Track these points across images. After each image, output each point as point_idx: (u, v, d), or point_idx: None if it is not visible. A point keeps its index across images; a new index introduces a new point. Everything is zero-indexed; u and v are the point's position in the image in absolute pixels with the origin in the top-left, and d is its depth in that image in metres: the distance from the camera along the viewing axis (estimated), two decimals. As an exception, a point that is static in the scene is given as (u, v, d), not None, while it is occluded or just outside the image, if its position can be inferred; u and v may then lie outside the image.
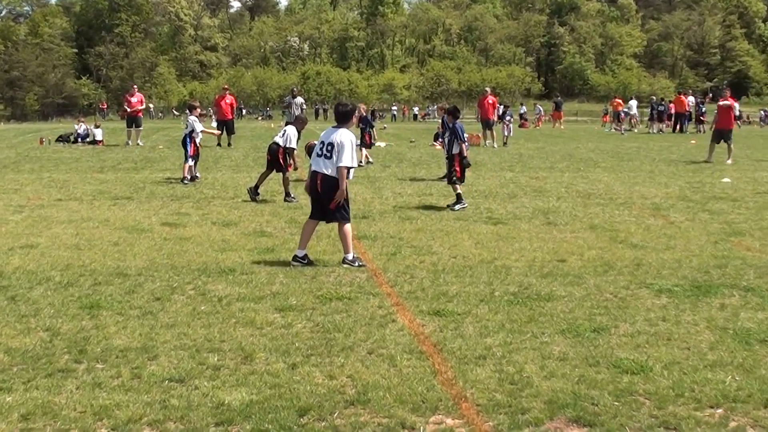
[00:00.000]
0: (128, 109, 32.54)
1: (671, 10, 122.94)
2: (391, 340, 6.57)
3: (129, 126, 32.84)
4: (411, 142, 35.71)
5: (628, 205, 14.89)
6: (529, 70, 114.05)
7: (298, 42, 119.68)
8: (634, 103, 53.03)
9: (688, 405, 5.30)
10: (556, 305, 7.68)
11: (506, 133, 34.59)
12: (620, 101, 53.73)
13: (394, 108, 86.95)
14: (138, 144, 31.74)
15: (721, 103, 25.61)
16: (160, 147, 30.37)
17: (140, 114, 33.31)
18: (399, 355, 6.20)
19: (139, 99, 33.08)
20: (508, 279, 8.77)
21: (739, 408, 5.26)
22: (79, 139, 34.27)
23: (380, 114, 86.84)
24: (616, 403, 5.32)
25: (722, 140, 24.87)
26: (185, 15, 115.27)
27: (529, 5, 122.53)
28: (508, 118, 35.91)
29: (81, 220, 12.76)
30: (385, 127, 54.87)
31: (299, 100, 29.01)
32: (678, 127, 46.87)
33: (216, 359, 6.08)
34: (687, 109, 47.52)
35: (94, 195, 15.80)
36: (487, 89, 35.76)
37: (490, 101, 33.78)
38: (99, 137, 33.84)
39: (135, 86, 35.70)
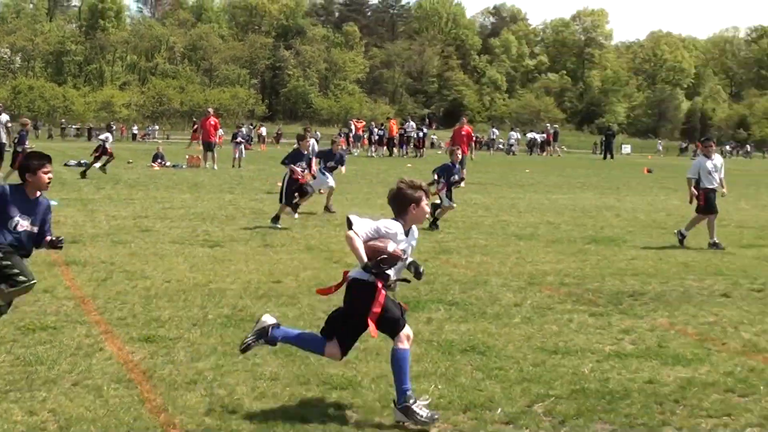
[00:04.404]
0: None
1: (394, 39, 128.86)
2: (98, 370, 6.37)
3: None
4: (129, 162, 34.81)
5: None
6: (254, 92, 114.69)
7: (9, 54, 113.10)
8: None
9: (392, 416, 5.58)
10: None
11: (236, 156, 34.54)
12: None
13: (113, 127, 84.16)
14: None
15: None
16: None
17: None
18: (106, 385, 6.03)
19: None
20: (222, 302, 8.77)
21: (442, 415, 5.61)
22: None
23: (97, 133, 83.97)
24: (325, 419, 5.50)
25: None
26: None
27: (256, 27, 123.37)
28: (239, 138, 36.07)
29: None
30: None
31: (4, 117, 26.64)
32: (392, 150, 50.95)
33: None
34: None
35: None
36: (210, 110, 35.82)
37: (213, 122, 33.82)
38: None
39: None
